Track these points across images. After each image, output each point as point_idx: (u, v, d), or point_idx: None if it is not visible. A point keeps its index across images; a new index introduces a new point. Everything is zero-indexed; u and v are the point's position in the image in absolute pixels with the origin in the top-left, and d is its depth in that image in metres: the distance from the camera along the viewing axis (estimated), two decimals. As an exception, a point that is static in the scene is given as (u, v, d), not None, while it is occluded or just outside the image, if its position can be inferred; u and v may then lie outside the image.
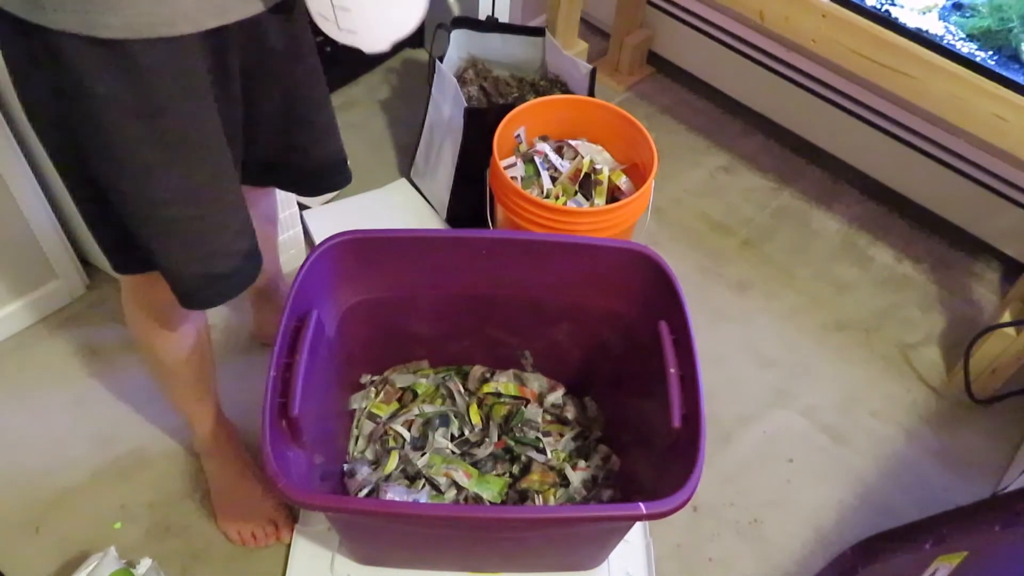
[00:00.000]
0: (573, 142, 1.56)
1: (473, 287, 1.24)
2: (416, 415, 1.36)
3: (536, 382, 1.42)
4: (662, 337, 1.11)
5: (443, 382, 1.41)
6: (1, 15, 0.72)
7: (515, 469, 1.33)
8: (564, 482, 1.31)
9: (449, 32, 1.70)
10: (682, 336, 1.10)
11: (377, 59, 2.08)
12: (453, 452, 1.34)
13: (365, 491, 1.27)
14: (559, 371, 1.42)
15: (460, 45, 1.72)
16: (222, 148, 0.87)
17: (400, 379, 1.41)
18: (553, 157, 1.53)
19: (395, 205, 1.78)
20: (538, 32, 1.72)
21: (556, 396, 1.41)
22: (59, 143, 0.82)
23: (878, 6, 1.40)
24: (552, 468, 1.32)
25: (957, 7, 1.41)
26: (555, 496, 1.29)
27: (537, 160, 1.52)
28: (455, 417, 1.38)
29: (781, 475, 1.44)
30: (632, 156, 1.53)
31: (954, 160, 1.74)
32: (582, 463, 1.33)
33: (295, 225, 1.59)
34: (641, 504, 0.93)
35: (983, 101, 1.30)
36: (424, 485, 1.28)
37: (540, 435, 1.36)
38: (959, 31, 1.36)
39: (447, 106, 1.62)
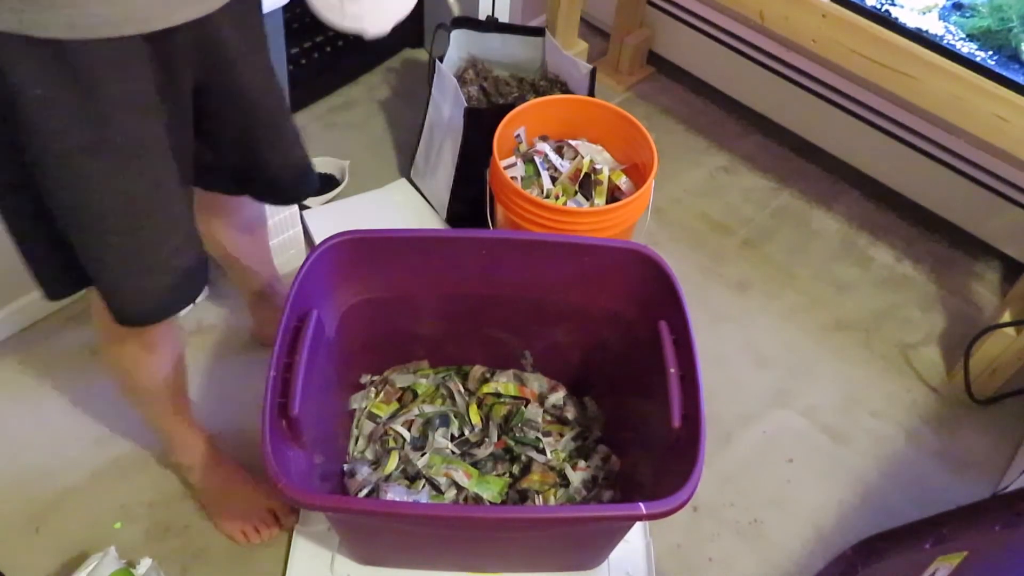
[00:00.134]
0: (573, 142, 1.56)
1: (473, 287, 1.24)
2: (416, 415, 1.36)
3: (536, 382, 1.42)
4: (662, 337, 1.11)
5: (443, 382, 1.41)
6: None
7: (515, 469, 1.33)
8: (564, 482, 1.31)
9: (449, 32, 1.70)
10: (682, 336, 1.10)
11: (377, 59, 2.08)
12: (453, 452, 1.34)
13: (365, 491, 1.27)
14: (559, 371, 1.42)
15: (460, 45, 1.72)
16: (166, 161, 0.84)
17: (400, 379, 1.41)
18: (553, 157, 1.53)
19: (395, 205, 1.78)
20: (538, 32, 1.72)
21: (557, 397, 1.41)
22: None
23: (878, 6, 1.40)
24: (552, 468, 1.32)
25: (957, 7, 1.41)
26: (555, 496, 1.29)
27: (537, 160, 1.52)
28: (455, 417, 1.38)
29: (781, 475, 1.44)
30: (632, 156, 1.53)
31: (954, 160, 1.74)
32: (582, 463, 1.33)
33: (295, 225, 1.59)
34: (641, 504, 0.93)
35: (983, 101, 1.30)
36: (424, 485, 1.28)
37: (540, 435, 1.36)
38: (959, 31, 1.36)
39: (447, 106, 1.62)
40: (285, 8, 1.57)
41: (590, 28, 2.25)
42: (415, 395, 1.40)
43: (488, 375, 1.43)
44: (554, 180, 1.51)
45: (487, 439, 1.36)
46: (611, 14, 2.07)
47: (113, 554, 1.18)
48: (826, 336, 1.64)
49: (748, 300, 1.69)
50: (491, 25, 1.72)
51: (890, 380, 1.58)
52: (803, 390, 1.55)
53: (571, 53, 1.81)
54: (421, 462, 1.30)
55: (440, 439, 1.34)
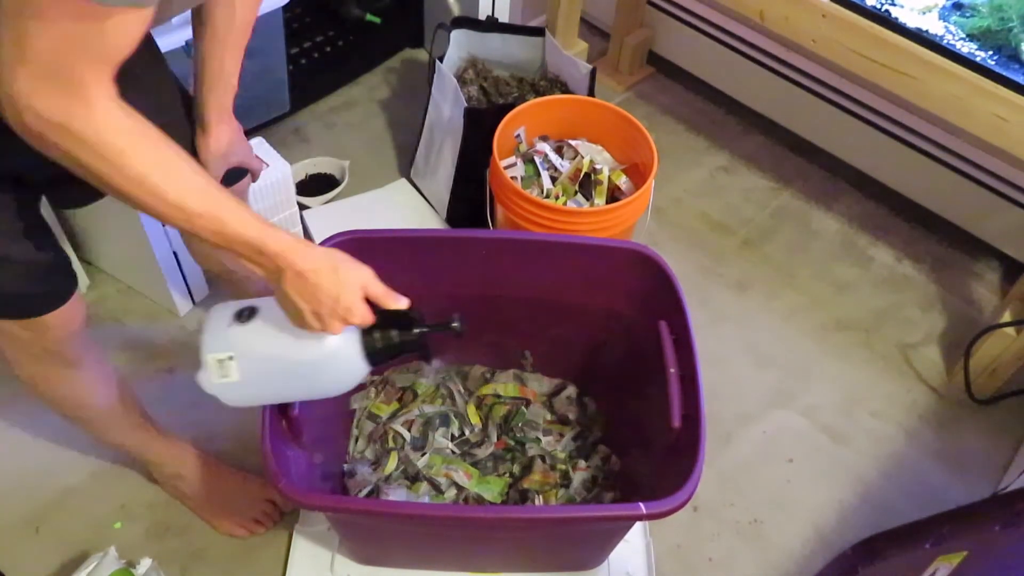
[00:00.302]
0: (573, 142, 1.56)
1: (473, 287, 1.24)
2: (416, 415, 1.36)
3: (536, 382, 1.42)
4: (662, 337, 1.11)
5: (443, 382, 1.41)
6: None
7: (515, 469, 1.33)
8: (565, 482, 1.31)
9: (449, 32, 1.70)
10: (682, 336, 1.10)
11: (377, 59, 2.08)
12: (453, 452, 1.34)
13: (365, 491, 1.27)
14: (559, 371, 1.42)
15: (460, 45, 1.72)
16: None
17: (400, 379, 1.41)
18: (553, 157, 1.53)
19: (395, 205, 1.78)
20: (538, 32, 1.72)
21: (570, 391, 1.41)
22: None
23: (878, 6, 1.40)
24: (553, 468, 1.32)
25: (957, 7, 1.41)
26: (556, 497, 1.29)
27: (537, 160, 1.52)
28: (455, 417, 1.38)
29: (781, 475, 1.44)
30: (632, 156, 1.53)
31: (954, 160, 1.74)
32: (582, 463, 1.33)
33: (295, 225, 1.59)
34: (641, 504, 0.93)
35: (983, 101, 1.30)
36: (425, 488, 1.28)
37: (541, 435, 1.36)
38: (959, 31, 1.36)
39: (447, 106, 1.62)
40: (285, 8, 1.57)
41: (590, 28, 2.25)
42: (415, 395, 1.40)
43: (488, 375, 1.43)
44: (554, 180, 1.51)
45: (487, 439, 1.36)
46: (611, 14, 2.07)
47: (113, 554, 1.18)
48: (826, 336, 1.64)
49: (748, 300, 1.69)
50: (491, 25, 1.72)
51: (890, 380, 1.58)
52: (803, 390, 1.55)
53: (571, 53, 1.81)
54: (421, 462, 1.30)
55: (440, 439, 1.34)
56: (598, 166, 1.48)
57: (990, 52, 1.33)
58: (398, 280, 1.23)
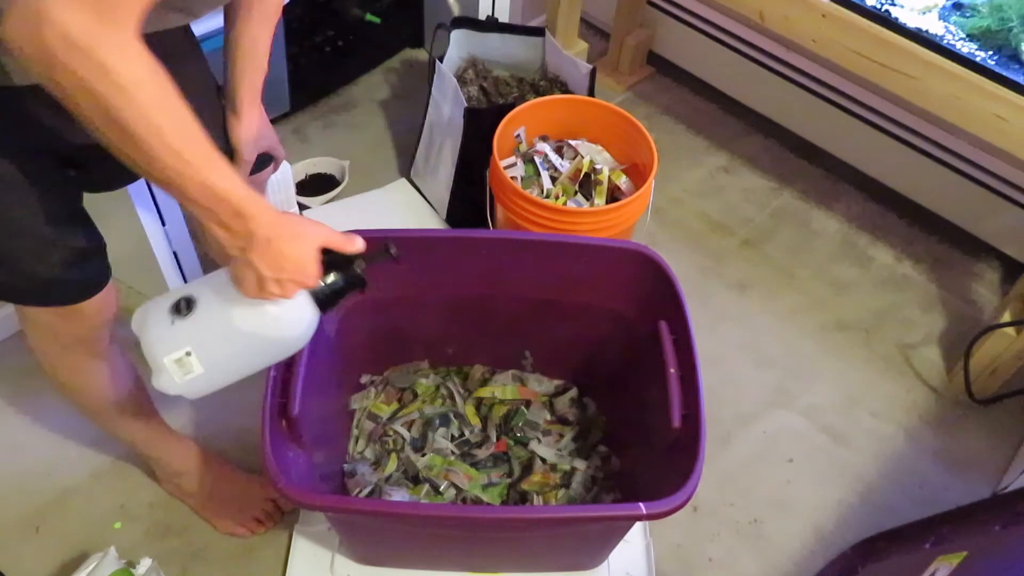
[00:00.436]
0: (573, 142, 1.56)
1: (473, 287, 1.24)
2: (416, 416, 1.36)
3: (537, 383, 1.42)
4: (662, 337, 1.11)
5: (443, 382, 1.41)
6: None
7: (516, 470, 1.33)
8: (565, 483, 1.31)
9: (449, 32, 1.70)
10: (682, 336, 1.10)
11: (377, 59, 2.08)
12: (453, 453, 1.34)
13: (365, 491, 1.27)
14: (559, 371, 1.42)
15: (460, 45, 1.72)
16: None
17: (400, 379, 1.41)
18: (553, 157, 1.53)
19: (395, 205, 1.78)
20: (538, 32, 1.72)
21: (572, 392, 1.41)
22: None
23: (878, 6, 1.40)
24: (553, 469, 1.32)
25: (957, 7, 1.41)
26: (555, 497, 1.29)
27: (537, 160, 1.52)
28: (455, 418, 1.38)
29: (781, 475, 1.44)
30: (632, 156, 1.53)
31: (954, 160, 1.74)
32: (582, 464, 1.33)
33: (295, 225, 1.59)
34: (641, 504, 0.93)
35: (983, 101, 1.30)
36: (426, 490, 1.28)
37: (540, 435, 1.36)
38: (959, 31, 1.36)
39: (447, 106, 1.62)
40: (285, 8, 1.57)
41: (590, 28, 2.25)
42: (415, 395, 1.40)
43: (488, 375, 1.43)
44: (554, 180, 1.51)
45: (487, 440, 1.36)
46: (611, 14, 2.07)
47: (113, 554, 1.18)
48: (826, 336, 1.64)
49: (748, 300, 1.69)
50: (491, 25, 1.72)
51: (890, 380, 1.58)
52: (803, 390, 1.55)
53: (571, 53, 1.81)
54: (421, 463, 1.30)
55: (440, 440, 1.34)
56: (598, 166, 1.48)
57: (990, 52, 1.33)
58: (398, 280, 1.23)
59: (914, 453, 1.48)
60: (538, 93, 1.69)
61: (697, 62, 2.09)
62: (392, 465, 1.31)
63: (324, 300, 0.88)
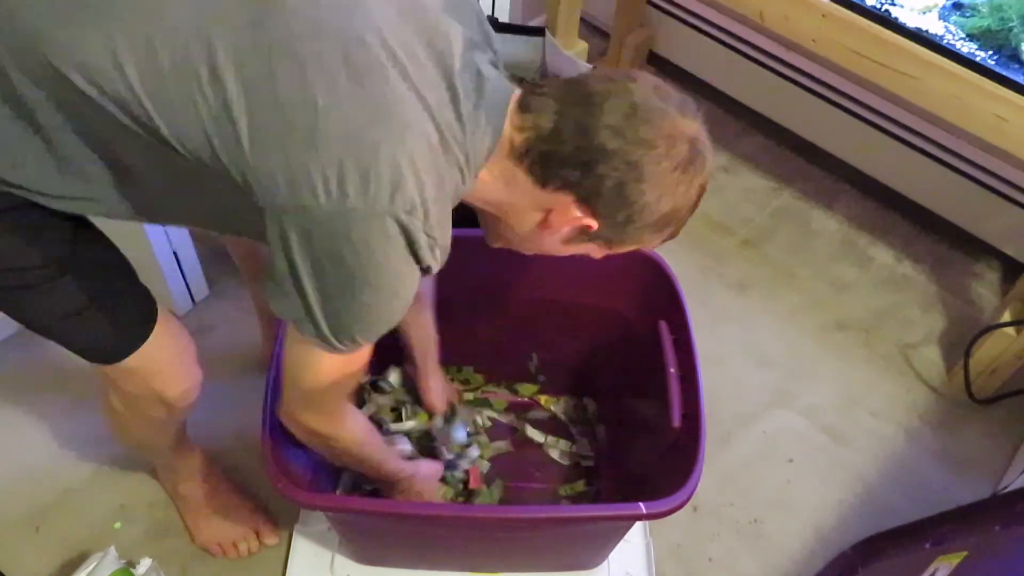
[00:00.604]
0: (573, 142, 1.55)
1: (473, 288, 1.24)
2: (413, 425, 1.36)
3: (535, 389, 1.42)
4: (662, 337, 1.11)
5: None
6: None
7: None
8: (565, 483, 1.31)
9: (449, 32, 1.69)
10: (682, 336, 1.10)
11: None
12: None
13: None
14: (559, 371, 1.42)
15: (460, 45, 1.72)
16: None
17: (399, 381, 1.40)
18: (553, 157, 1.52)
19: (395, 205, 1.77)
20: (538, 32, 1.72)
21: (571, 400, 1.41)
22: None
23: (878, 6, 1.40)
24: (553, 469, 1.32)
25: (957, 7, 1.41)
26: (556, 497, 1.29)
27: (537, 160, 1.52)
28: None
29: (781, 475, 1.43)
30: (632, 156, 1.53)
31: (954, 160, 1.74)
32: (581, 463, 1.33)
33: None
34: (641, 504, 0.93)
35: (983, 101, 1.30)
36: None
37: (540, 436, 1.36)
38: (959, 31, 1.36)
39: (447, 106, 1.62)
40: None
41: (590, 28, 2.25)
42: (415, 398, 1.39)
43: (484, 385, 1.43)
44: (554, 180, 1.51)
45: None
46: (611, 14, 2.07)
47: (113, 554, 1.17)
48: (826, 336, 1.64)
49: (748, 300, 1.69)
50: (491, 25, 1.72)
51: (890, 380, 1.58)
52: (803, 390, 1.55)
53: (571, 53, 1.81)
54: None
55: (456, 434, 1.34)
56: (598, 166, 1.48)
57: (990, 52, 1.33)
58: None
59: (914, 453, 1.48)
60: (538, 93, 1.69)
61: (697, 62, 2.09)
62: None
63: None
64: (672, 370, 1.07)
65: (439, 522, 1.03)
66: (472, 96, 0.76)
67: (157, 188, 0.79)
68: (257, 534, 1.27)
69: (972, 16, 1.37)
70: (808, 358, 1.60)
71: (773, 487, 1.42)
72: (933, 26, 1.37)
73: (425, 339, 1.26)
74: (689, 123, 0.79)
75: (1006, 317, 1.47)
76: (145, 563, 1.18)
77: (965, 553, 1.02)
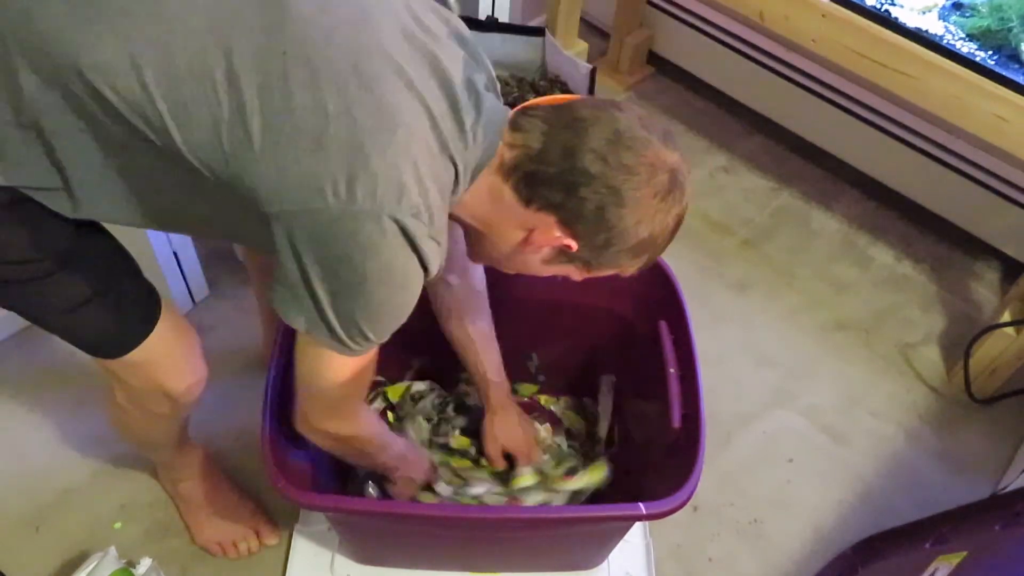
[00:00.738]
0: (573, 142, 1.55)
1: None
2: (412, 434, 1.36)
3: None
4: (662, 337, 1.11)
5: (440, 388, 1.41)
6: None
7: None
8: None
9: (449, 32, 1.69)
10: (682, 336, 1.10)
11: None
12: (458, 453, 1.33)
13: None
14: (559, 371, 1.42)
15: (460, 45, 1.72)
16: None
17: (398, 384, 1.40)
18: (553, 157, 1.52)
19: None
20: (538, 32, 1.72)
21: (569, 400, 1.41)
22: None
23: (878, 6, 1.40)
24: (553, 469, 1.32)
25: (957, 7, 1.41)
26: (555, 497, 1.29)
27: (537, 160, 1.52)
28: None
29: (781, 475, 1.43)
30: (632, 156, 1.53)
31: (954, 160, 1.74)
32: (581, 464, 1.33)
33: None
34: (641, 504, 0.93)
35: (983, 101, 1.30)
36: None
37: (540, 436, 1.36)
38: (959, 31, 1.36)
39: (447, 106, 1.62)
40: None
41: (590, 28, 2.25)
42: (414, 397, 1.39)
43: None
44: (554, 180, 1.51)
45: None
46: (611, 14, 2.07)
47: (113, 554, 1.17)
48: (826, 336, 1.64)
49: (748, 300, 1.69)
50: (491, 25, 1.72)
51: (890, 380, 1.58)
52: (803, 390, 1.55)
53: (571, 53, 1.81)
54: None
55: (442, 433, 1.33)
56: (598, 166, 1.48)
57: (990, 52, 1.33)
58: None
59: (914, 453, 1.48)
60: (538, 93, 1.69)
61: (697, 62, 2.09)
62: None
63: None
64: (672, 370, 1.07)
65: (439, 522, 1.03)
66: (472, 112, 0.78)
67: (163, 197, 0.80)
68: (257, 534, 1.27)
69: (972, 16, 1.37)
70: (808, 358, 1.60)
71: (773, 487, 1.42)
72: (933, 26, 1.37)
73: (480, 360, 1.20)
74: (670, 154, 0.84)
75: (1006, 317, 1.47)
76: (145, 563, 1.18)
77: (965, 553, 1.02)
